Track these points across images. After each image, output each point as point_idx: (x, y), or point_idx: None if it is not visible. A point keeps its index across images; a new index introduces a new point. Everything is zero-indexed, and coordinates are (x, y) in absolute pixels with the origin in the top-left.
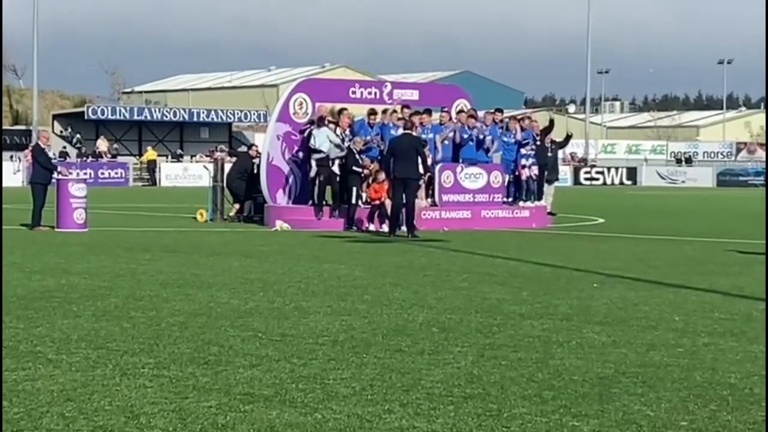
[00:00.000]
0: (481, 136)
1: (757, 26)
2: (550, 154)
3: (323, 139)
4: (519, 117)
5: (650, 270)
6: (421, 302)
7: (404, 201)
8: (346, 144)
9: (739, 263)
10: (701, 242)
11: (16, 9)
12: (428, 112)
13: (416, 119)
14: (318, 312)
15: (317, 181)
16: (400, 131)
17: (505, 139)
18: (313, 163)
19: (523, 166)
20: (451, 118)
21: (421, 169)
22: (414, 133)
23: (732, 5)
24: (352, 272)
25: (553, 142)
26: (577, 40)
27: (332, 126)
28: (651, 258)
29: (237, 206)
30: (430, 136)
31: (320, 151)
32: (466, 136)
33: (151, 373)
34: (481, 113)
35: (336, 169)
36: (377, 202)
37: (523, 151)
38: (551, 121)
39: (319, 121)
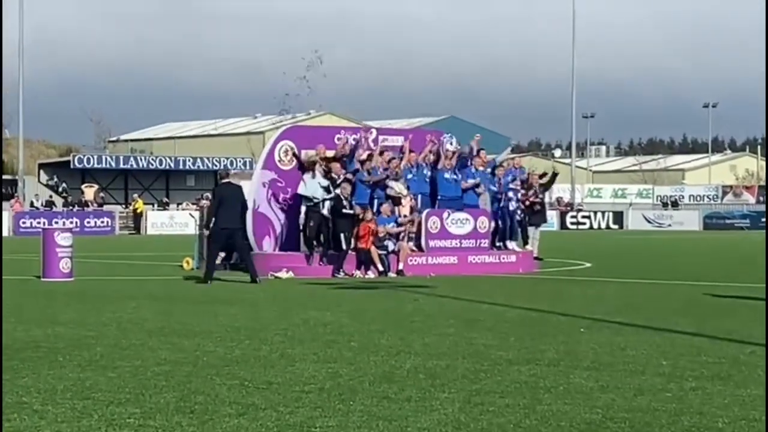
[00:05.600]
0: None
1: (742, 70)
2: (540, 197)
3: (315, 187)
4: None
5: (637, 314)
6: (408, 348)
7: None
8: (337, 191)
9: (726, 306)
10: (688, 286)
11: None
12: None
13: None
14: (304, 359)
15: (308, 227)
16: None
17: (492, 187)
18: (303, 209)
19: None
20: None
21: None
22: (234, 182)
23: (716, 49)
24: (338, 319)
25: (541, 185)
26: (562, 85)
27: (322, 170)
28: (638, 302)
29: (223, 254)
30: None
31: (312, 199)
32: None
33: (137, 423)
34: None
35: (325, 212)
36: (362, 246)
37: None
38: (554, 175)
39: (311, 168)
